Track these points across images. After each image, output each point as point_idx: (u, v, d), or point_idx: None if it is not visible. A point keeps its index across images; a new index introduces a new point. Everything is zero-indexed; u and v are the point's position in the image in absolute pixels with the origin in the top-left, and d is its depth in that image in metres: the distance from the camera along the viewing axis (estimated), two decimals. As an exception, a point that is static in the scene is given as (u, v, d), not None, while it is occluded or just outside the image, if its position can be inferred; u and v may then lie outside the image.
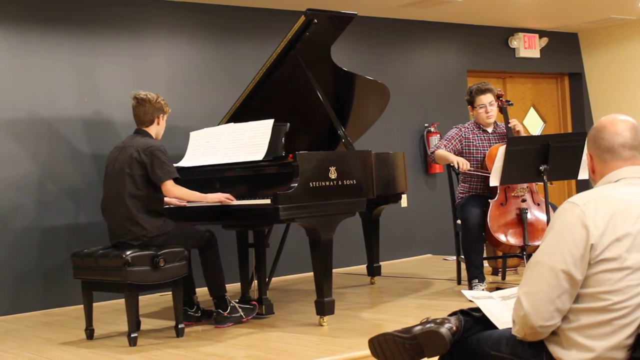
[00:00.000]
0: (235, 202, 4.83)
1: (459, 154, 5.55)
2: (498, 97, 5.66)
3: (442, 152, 5.53)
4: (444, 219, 7.02)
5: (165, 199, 4.88)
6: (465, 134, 5.59)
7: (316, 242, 4.70)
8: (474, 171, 5.45)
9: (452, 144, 5.56)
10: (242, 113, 5.55)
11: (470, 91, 5.64)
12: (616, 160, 2.38)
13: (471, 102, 5.64)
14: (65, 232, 6.18)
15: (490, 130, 5.64)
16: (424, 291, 5.91)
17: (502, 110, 5.66)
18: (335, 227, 4.78)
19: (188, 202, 5.03)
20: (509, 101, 5.74)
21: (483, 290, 5.18)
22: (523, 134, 5.65)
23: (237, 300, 5.11)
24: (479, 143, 5.58)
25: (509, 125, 5.55)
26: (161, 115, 4.94)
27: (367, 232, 6.37)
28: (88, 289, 4.78)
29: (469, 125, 5.67)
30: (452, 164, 5.49)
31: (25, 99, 6.12)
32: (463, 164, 5.36)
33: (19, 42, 6.13)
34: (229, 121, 5.52)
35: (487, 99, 5.56)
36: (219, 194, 4.85)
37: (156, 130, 4.94)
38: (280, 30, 5.63)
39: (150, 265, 4.52)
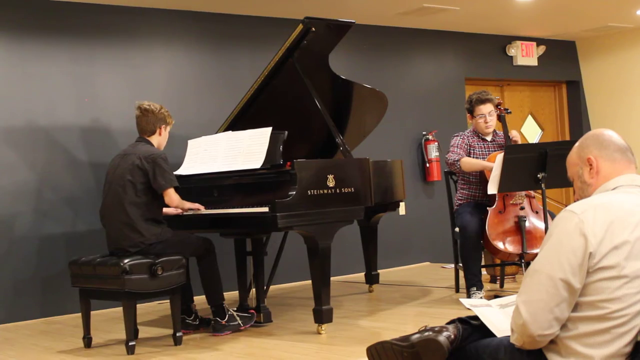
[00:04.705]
0: (205, 212, 4.94)
1: None
2: (497, 106, 5.66)
3: (469, 159, 5.48)
4: (442, 226, 7.02)
5: (164, 209, 4.88)
6: (468, 141, 5.59)
7: (314, 250, 4.70)
8: None
9: (463, 149, 5.55)
10: (240, 121, 5.55)
11: (470, 100, 5.63)
12: (625, 161, 2.40)
13: (471, 111, 5.63)
14: (63, 240, 6.17)
15: (489, 138, 5.65)
16: (422, 299, 5.91)
17: (500, 118, 5.67)
18: (333, 235, 4.78)
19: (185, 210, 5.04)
20: (508, 109, 5.75)
21: (481, 298, 5.17)
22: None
23: (235, 309, 5.10)
24: (479, 151, 5.58)
25: (510, 135, 5.55)
26: (163, 126, 4.98)
27: (365, 240, 6.36)
28: (86, 297, 4.78)
29: (468, 133, 5.67)
30: (486, 171, 5.37)
31: (23, 107, 6.12)
32: None
33: (16, 51, 6.14)
34: (227, 129, 5.52)
35: (486, 109, 5.56)
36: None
37: (158, 140, 4.97)
38: (278, 38, 5.63)
39: (148, 273, 4.52)
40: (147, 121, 4.91)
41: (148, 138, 4.93)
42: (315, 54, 5.33)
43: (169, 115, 5.02)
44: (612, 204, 2.28)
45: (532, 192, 5.46)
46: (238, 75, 7.00)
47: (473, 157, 5.55)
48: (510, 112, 5.79)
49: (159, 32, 6.83)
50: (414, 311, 5.46)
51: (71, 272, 4.82)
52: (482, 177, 5.49)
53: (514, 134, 5.60)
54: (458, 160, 5.49)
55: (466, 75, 8.87)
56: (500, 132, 5.69)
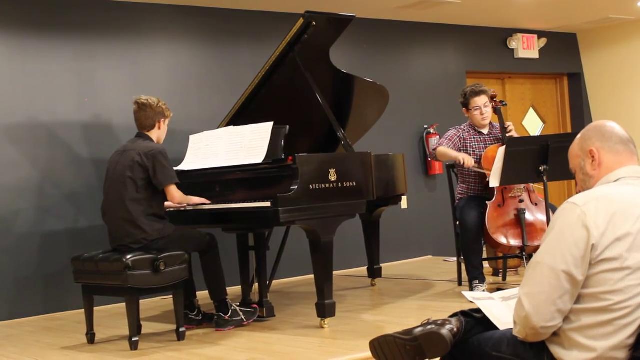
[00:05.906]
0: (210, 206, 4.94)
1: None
2: (492, 98, 5.65)
3: (443, 148, 5.51)
4: (444, 220, 7.02)
5: (166, 203, 4.88)
6: (462, 135, 5.59)
7: (316, 245, 4.70)
8: (478, 168, 5.42)
9: (452, 142, 5.56)
10: (241, 116, 5.55)
11: (465, 93, 5.63)
12: (627, 153, 2.39)
13: (466, 105, 5.63)
14: (65, 237, 6.18)
15: (485, 132, 5.64)
16: (424, 293, 5.91)
17: (496, 111, 5.66)
18: (336, 229, 4.78)
19: (188, 205, 5.04)
20: (503, 102, 5.75)
21: (484, 291, 5.18)
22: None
23: (238, 304, 5.10)
24: (475, 145, 5.58)
25: (505, 126, 5.55)
26: (162, 119, 4.96)
27: (367, 234, 6.36)
28: (89, 293, 4.78)
29: (464, 127, 5.67)
30: (456, 161, 5.45)
31: (24, 103, 6.12)
32: (468, 160, 5.33)
33: (17, 47, 6.14)
34: (228, 124, 5.52)
35: (481, 100, 5.56)
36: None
37: (157, 134, 4.95)
38: (279, 33, 5.63)
39: (151, 269, 4.52)
40: (145, 116, 4.90)
41: (147, 133, 4.91)
42: (316, 48, 5.33)
43: (167, 109, 4.99)
44: (615, 195, 2.27)
45: (531, 185, 5.46)
46: (239, 70, 7.00)
47: (470, 151, 5.55)
48: (505, 105, 5.79)
49: (161, 27, 6.82)
50: (417, 305, 5.46)
51: (74, 268, 4.83)
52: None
53: (510, 126, 5.60)
54: (435, 149, 5.54)
55: (467, 68, 8.86)
56: (497, 125, 5.68)
